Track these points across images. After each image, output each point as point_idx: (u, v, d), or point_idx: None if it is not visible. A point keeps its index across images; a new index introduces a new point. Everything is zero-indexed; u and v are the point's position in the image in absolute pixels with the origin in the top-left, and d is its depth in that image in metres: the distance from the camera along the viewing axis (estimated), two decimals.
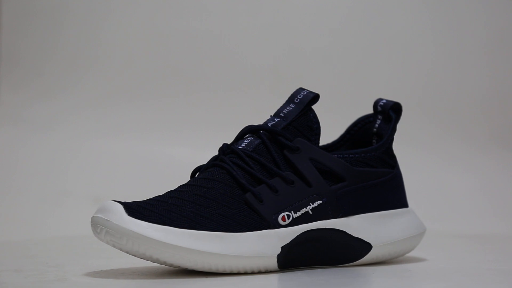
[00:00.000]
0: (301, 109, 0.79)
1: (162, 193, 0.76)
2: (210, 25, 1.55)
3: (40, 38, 1.59)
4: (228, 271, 0.74)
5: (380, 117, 0.86)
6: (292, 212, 0.76)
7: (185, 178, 0.80)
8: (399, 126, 0.86)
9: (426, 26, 1.51)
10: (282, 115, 0.79)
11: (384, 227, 0.82)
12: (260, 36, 1.54)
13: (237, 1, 1.55)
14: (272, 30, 1.53)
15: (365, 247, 0.81)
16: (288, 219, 0.76)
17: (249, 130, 0.79)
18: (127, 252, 0.72)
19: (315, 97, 0.80)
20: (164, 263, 0.72)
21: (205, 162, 0.80)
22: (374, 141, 0.86)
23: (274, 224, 0.75)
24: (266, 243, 0.75)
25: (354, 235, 0.80)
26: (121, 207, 0.72)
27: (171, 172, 1.43)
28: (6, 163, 1.49)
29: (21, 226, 1.20)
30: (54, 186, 1.43)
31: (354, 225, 0.80)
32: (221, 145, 0.79)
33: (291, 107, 0.80)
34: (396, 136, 0.85)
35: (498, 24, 1.50)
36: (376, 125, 0.86)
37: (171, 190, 0.76)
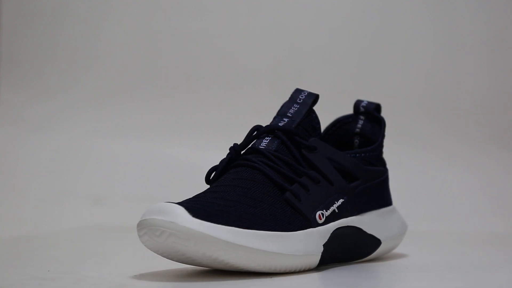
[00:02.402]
0: (306, 110, 0.79)
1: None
2: (210, 25, 1.55)
3: (40, 38, 1.59)
4: (283, 270, 0.72)
5: (362, 117, 0.86)
6: (324, 210, 0.76)
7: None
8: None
9: (426, 26, 1.51)
10: (289, 115, 0.79)
11: (389, 223, 0.85)
12: (260, 36, 1.54)
13: (237, 1, 1.55)
14: (272, 30, 1.53)
15: (375, 243, 0.83)
16: (323, 217, 0.76)
17: (265, 130, 0.78)
18: (185, 254, 0.69)
19: (316, 98, 0.80)
20: (226, 265, 0.70)
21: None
22: (356, 141, 0.87)
23: (314, 223, 0.75)
24: (313, 242, 0.75)
25: (368, 232, 0.82)
26: (182, 208, 0.68)
27: (171, 172, 1.43)
28: (6, 163, 1.49)
29: (21, 226, 1.20)
30: (54, 186, 1.43)
31: (367, 222, 0.82)
32: (227, 145, 0.78)
33: (295, 107, 0.79)
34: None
35: (498, 24, 1.50)
36: (359, 126, 0.86)
37: (205, 191, 0.74)
